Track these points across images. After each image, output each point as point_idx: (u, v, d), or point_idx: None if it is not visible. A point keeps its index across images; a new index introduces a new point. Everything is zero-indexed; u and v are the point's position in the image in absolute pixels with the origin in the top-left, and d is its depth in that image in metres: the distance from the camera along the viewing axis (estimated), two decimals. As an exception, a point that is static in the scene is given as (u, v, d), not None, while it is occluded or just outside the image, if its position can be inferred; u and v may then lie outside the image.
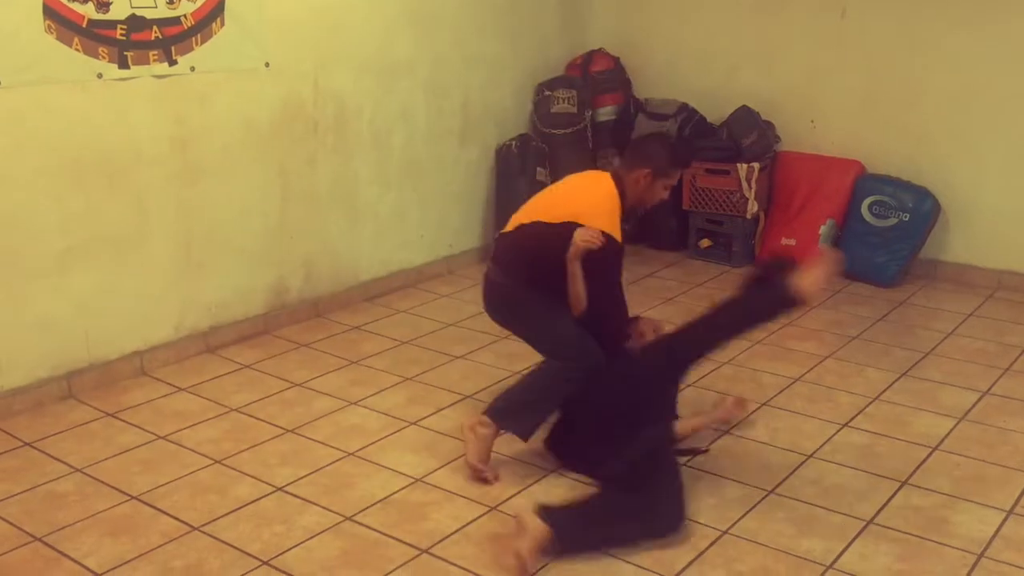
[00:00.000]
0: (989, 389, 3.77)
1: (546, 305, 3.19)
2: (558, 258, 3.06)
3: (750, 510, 2.96)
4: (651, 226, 5.74)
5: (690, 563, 2.71)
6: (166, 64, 3.85)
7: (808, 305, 3.10)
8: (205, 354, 4.19)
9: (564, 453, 3.25)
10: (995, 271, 4.90)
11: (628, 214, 3.22)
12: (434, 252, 5.26)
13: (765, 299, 3.09)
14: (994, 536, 2.80)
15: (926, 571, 2.65)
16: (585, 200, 3.16)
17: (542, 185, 5.32)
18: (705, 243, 5.48)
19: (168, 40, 3.84)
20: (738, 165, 5.24)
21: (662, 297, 4.91)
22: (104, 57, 3.65)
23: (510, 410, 3.23)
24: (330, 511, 3.00)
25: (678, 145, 3.21)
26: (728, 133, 5.36)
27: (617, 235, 3.08)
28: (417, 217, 5.13)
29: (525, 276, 3.20)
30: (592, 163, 5.65)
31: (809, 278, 2.97)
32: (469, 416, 3.27)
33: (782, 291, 2.99)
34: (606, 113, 5.67)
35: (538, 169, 5.34)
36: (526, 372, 3.40)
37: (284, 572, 2.69)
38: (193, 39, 3.92)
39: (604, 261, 3.08)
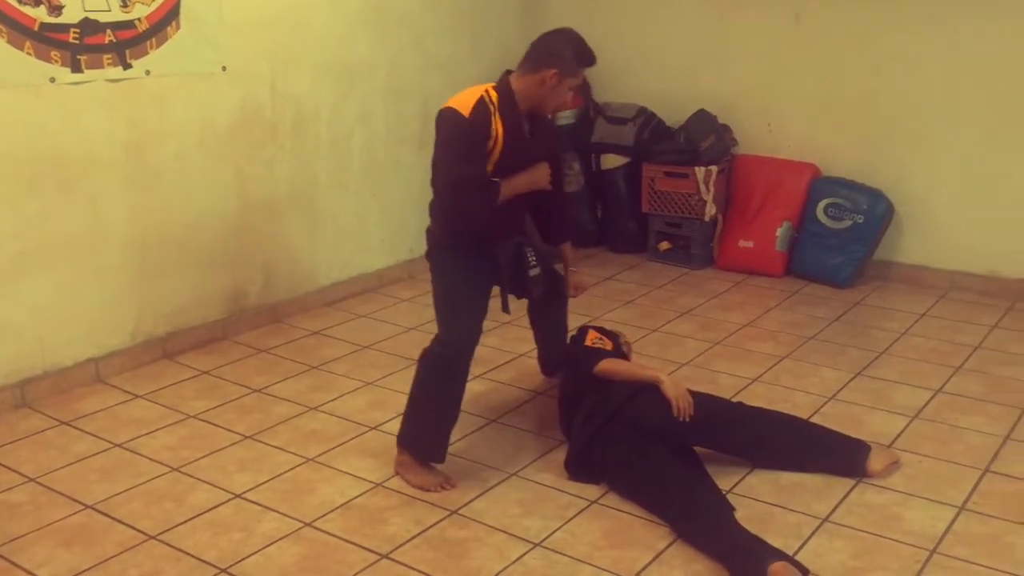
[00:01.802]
0: (941, 387, 3.83)
1: (445, 264, 3.21)
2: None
3: (708, 510, 2.99)
4: (611, 229, 5.79)
5: (648, 564, 2.73)
6: (120, 68, 3.81)
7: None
8: (162, 360, 4.15)
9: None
10: (948, 272, 4.99)
11: (527, 117, 3.10)
12: (394, 256, 5.25)
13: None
14: (946, 532, 2.85)
15: (880, 567, 2.69)
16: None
17: (502, 188, 5.36)
18: (664, 246, 5.52)
19: (122, 44, 3.80)
20: (696, 168, 5.29)
21: (622, 300, 4.94)
22: (57, 61, 3.60)
23: (408, 432, 3.21)
24: (289, 517, 2.98)
25: (581, 42, 3.09)
26: (686, 136, 5.40)
27: (462, 110, 2.96)
28: (377, 221, 5.11)
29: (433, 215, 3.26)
30: (552, 166, 5.68)
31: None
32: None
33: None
34: (565, 117, 5.68)
35: (498, 173, 5.34)
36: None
37: (242, 579, 2.68)
38: (148, 43, 3.88)
39: (439, 131, 3.05)
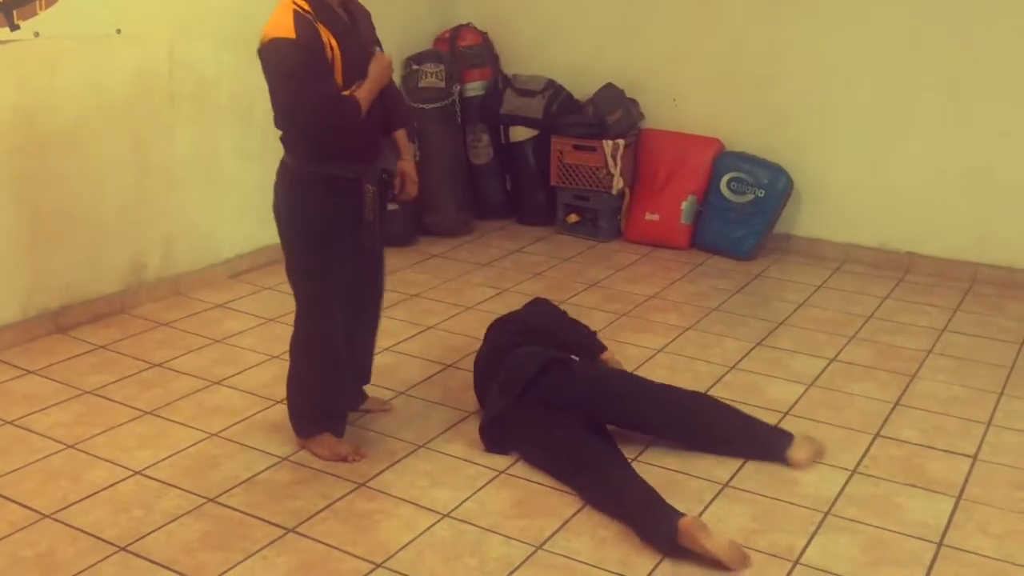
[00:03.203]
0: (836, 356, 3.98)
1: (305, 211, 2.93)
2: None
3: (614, 478, 3.04)
4: (520, 201, 5.81)
5: (556, 531, 2.77)
6: (7, 29, 3.63)
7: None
8: (55, 335, 4.01)
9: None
10: (843, 244, 5.16)
11: (339, 6, 2.91)
12: (300, 228, 5.15)
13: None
14: (839, 494, 2.97)
15: (777, 528, 2.79)
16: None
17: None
18: (572, 218, 5.56)
19: (9, 4, 3.63)
20: (603, 142, 5.33)
21: (530, 272, 4.97)
22: (-64, 20, 3.42)
23: (297, 414, 3.17)
24: (192, 493, 2.92)
25: None
26: (594, 110, 5.43)
27: (287, 34, 2.72)
28: (282, 192, 5.01)
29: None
30: (461, 137, 5.66)
31: None
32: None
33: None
34: (474, 88, 5.66)
35: (406, 144, 5.28)
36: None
37: (143, 557, 2.62)
38: (37, 2, 3.71)
39: (276, 70, 2.80)
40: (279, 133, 2.95)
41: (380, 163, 3.07)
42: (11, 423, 3.31)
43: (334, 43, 2.80)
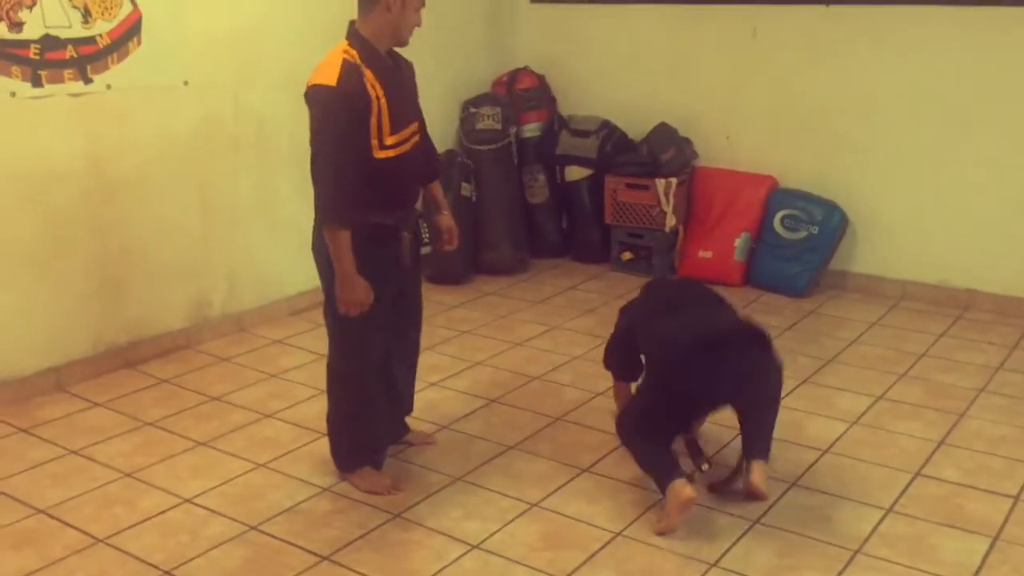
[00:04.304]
0: (883, 394, 3.93)
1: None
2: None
3: (643, 513, 3.08)
4: (575, 240, 5.89)
5: (581, 564, 2.81)
6: (81, 83, 3.90)
7: None
8: (124, 369, 4.22)
9: None
10: (900, 281, 5.09)
11: (388, 55, 3.01)
12: (360, 266, 5.32)
13: None
14: (872, 533, 2.94)
15: (804, 566, 2.78)
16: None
17: (467, 200, 5.45)
18: (627, 256, 5.61)
19: (83, 59, 3.89)
20: (657, 180, 5.39)
21: (583, 309, 5.03)
22: (17, 76, 3.68)
23: (336, 450, 3.28)
24: (236, 521, 3.06)
25: None
26: (648, 149, 5.50)
27: (329, 81, 2.83)
28: (342, 232, 5.19)
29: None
30: (518, 178, 5.78)
31: None
32: None
33: None
34: (531, 130, 5.79)
35: (463, 184, 5.44)
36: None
37: (185, 581, 2.75)
38: (109, 58, 3.97)
39: (314, 117, 2.89)
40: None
41: (416, 210, 3.18)
42: (75, 452, 3.51)
43: (380, 90, 2.92)
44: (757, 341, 3.09)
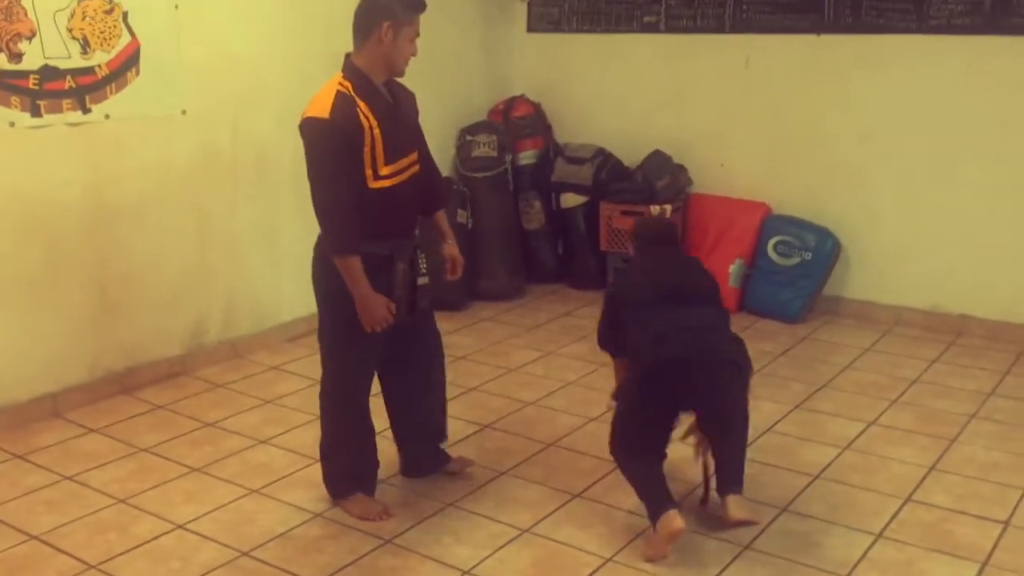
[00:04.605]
0: (875, 420, 3.94)
1: (336, 288, 3.00)
2: None
3: (634, 539, 3.08)
4: (571, 266, 5.92)
5: (571, 590, 2.82)
6: (80, 112, 3.95)
7: None
8: (120, 395, 4.25)
9: None
10: (894, 307, 5.11)
11: (385, 86, 3.04)
12: (357, 293, 5.36)
13: None
14: (861, 559, 2.95)
15: (793, 593, 2.79)
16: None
17: (463, 227, 5.49)
18: (622, 282, 5.64)
19: (82, 89, 3.94)
20: (652, 207, 5.42)
21: (578, 335, 5.05)
22: (16, 106, 3.74)
23: (328, 477, 3.30)
24: (228, 547, 3.07)
25: None
26: (643, 176, 5.55)
27: (322, 114, 2.87)
28: (339, 259, 5.22)
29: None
30: (514, 205, 5.82)
31: None
32: None
33: None
34: (527, 157, 5.85)
35: (459, 211, 5.48)
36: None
37: (176, 607, 2.76)
38: (108, 88, 4.03)
39: (308, 149, 2.93)
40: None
41: (413, 240, 3.17)
42: (70, 479, 3.52)
43: (374, 121, 2.95)
44: (733, 364, 3.10)
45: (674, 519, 2.89)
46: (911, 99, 4.89)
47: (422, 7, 3.02)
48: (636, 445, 3.10)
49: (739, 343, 3.16)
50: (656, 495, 3.00)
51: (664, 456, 3.12)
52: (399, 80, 3.14)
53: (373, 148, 2.96)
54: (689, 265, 3.44)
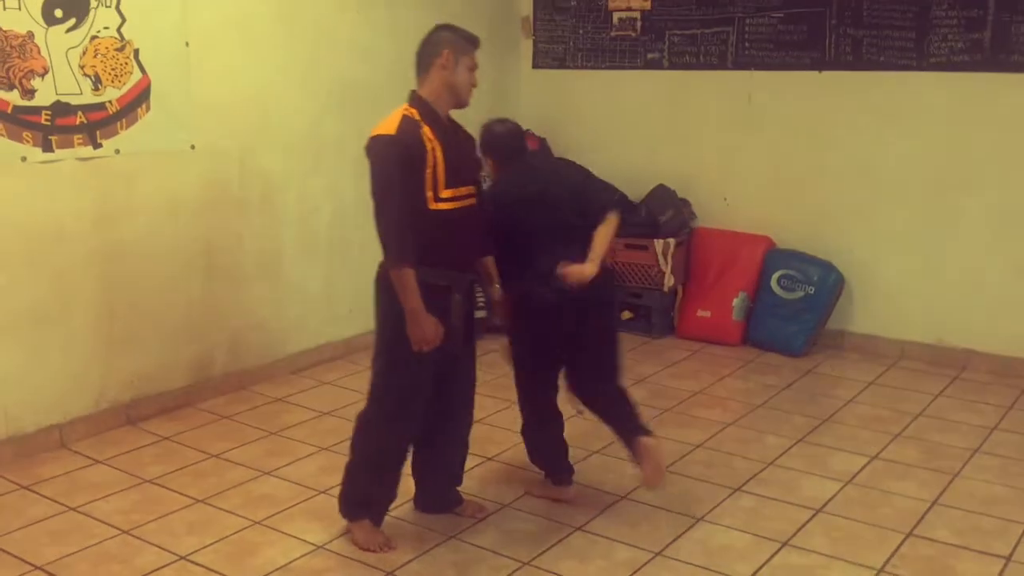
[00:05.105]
0: (878, 454, 3.94)
1: (394, 310, 3.04)
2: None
3: (637, 571, 3.09)
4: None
5: (571, 623, 2.82)
6: (91, 147, 4.02)
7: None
8: (126, 427, 4.27)
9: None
10: (898, 341, 5.12)
11: (447, 120, 3.12)
12: (363, 325, 5.34)
13: None
14: (862, 593, 2.95)
15: (793, 628, 2.78)
16: None
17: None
18: (626, 315, 5.66)
19: (93, 125, 4.01)
20: (655, 241, 5.47)
21: (581, 368, 5.06)
22: (28, 141, 3.81)
23: (344, 496, 3.32)
24: (229, 579, 3.08)
25: (458, 27, 3.14)
26: (647, 210, 5.59)
27: (388, 131, 2.99)
28: (346, 291, 5.26)
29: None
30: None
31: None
32: None
33: None
34: (532, 191, 5.89)
35: (465, 244, 5.51)
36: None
37: (176, 638, 2.77)
38: (119, 123, 4.10)
39: (373, 165, 3.00)
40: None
41: (470, 275, 3.19)
42: (74, 509, 3.54)
43: (437, 144, 3.03)
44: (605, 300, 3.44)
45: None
46: (913, 135, 4.94)
47: (478, 42, 3.15)
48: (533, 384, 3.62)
49: None
50: (555, 464, 3.63)
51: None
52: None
53: (435, 169, 3.02)
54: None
